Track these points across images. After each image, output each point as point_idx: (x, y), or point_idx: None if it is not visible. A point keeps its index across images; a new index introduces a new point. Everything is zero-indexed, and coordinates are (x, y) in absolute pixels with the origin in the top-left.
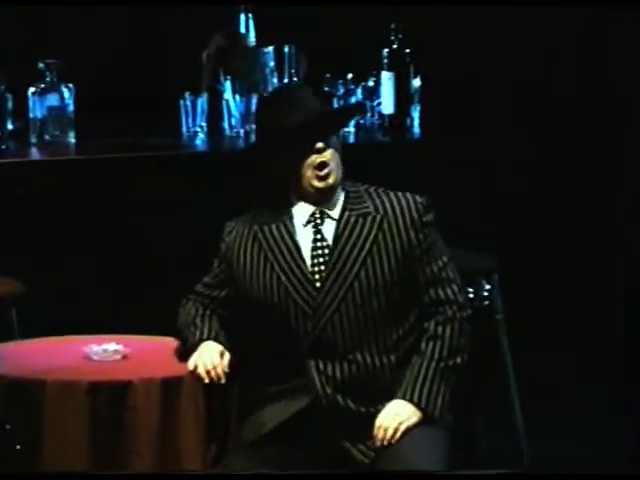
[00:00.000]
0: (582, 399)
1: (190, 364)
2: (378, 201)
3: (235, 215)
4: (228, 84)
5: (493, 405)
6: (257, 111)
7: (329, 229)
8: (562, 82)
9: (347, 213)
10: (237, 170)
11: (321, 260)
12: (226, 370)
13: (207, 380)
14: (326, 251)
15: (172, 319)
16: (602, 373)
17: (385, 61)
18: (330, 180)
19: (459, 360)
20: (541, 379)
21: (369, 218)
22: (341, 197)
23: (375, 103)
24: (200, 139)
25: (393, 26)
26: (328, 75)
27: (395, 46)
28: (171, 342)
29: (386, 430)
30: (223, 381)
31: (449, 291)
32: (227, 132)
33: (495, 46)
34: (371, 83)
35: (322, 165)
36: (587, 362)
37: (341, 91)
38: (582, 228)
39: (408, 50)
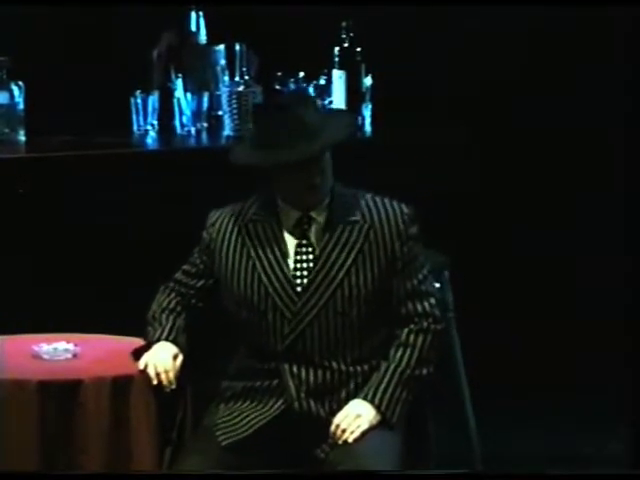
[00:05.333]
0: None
1: (141, 363)
2: (366, 209)
3: (186, 214)
4: (179, 82)
5: (445, 404)
6: (254, 112)
7: (316, 235)
8: (511, 83)
9: (335, 220)
10: (189, 169)
11: (304, 265)
12: (178, 374)
13: (155, 382)
14: (310, 257)
15: (123, 318)
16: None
17: (336, 59)
18: (314, 197)
19: (425, 371)
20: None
21: (356, 227)
22: (330, 202)
23: (326, 101)
24: (151, 137)
25: (344, 24)
26: (279, 73)
27: (346, 44)
28: (122, 341)
29: (344, 430)
30: (174, 386)
31: (426, 304)
32: (178, 130)
33: (447, 45)
34: (322, 81)
35: (308, 183)
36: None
37: (292, 89)
38: (533, 225)
39: (359, 48)
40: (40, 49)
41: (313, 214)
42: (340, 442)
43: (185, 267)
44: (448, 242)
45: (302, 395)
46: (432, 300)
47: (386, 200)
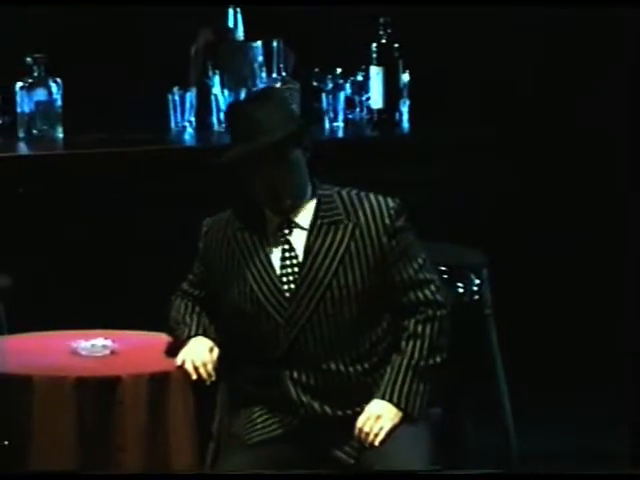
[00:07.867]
0: (580, 396)
1: (178, 360)
2: (350, 207)
3: (223, 211)
4: (217, 79)
5: (482, 402)
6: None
7: (300, 238)
8: (551, 81)
9: (318, 222)
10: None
11: (290, 271)
12: (216, 366)
13: (195, 376)
14: (294, 261)
15: (161, 314)
16: (597, 371)
17: (374, 56)
18: (281, 203)
19: (439, 359)
20: (531, 375)
21: (341, 226)
22: (312, 203)
23: (364, 98)
24: (189, 134)
25: (382, 20)
26: (317, 70)
27: (384, 41)
28: (160, 337)
29: (368, 433)
30: (214, 379)
31: (427, 292)
32: (215, 127)
33: (486, 41)
34: (360, 78)
35: (270, 189)
36: (579, 358)
37: (330, 86)
38: (572, 223)
39: (397, 45)
40: (79, 46)
41: (294, 218)
42: (367, 445)
43: (189, 277)
44: (488, 239)
45: (304, 399)
46: (432, 287)
47: (371, 195)
